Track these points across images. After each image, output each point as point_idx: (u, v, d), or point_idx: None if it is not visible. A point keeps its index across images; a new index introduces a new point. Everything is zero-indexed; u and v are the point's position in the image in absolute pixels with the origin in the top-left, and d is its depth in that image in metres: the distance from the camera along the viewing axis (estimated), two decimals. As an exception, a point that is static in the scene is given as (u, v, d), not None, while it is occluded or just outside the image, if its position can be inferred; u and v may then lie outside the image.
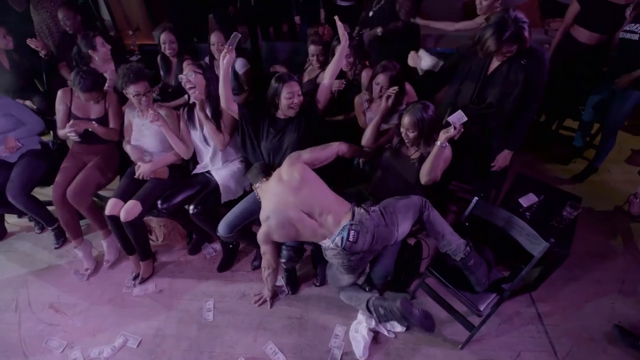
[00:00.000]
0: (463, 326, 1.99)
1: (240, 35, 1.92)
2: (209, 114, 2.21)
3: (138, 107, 2.26)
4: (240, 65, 2.77)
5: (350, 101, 2.42)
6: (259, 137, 2.16)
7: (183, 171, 2.43)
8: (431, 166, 1.87)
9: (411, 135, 1.91)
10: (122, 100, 2.45)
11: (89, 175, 2.38)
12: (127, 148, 2.36)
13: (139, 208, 2.18)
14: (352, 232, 1.72)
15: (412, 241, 2.27)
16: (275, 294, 2.27)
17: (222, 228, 2.11)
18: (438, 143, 1.82)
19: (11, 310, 2.35)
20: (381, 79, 2.16)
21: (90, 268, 2.52)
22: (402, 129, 1.94)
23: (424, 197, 1.90)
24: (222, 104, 2.09)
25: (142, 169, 2.25)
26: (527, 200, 2.21)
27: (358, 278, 2.04)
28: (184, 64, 2.21)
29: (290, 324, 2.16)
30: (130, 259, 2.46)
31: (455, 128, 1.78)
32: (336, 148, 2.02)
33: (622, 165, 3.22)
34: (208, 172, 2.37)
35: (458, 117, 1.79)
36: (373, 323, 2.06)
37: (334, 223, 1.75)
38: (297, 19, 3.83)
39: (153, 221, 2.55)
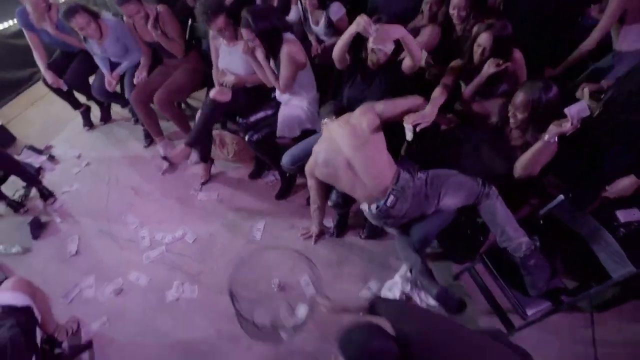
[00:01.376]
0: (502, 323, 1.88)
1: None
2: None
3: (223, 39, 2.28)
4: (334, 10, 2.54)
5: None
6: (346, 82, 2.09)
7: (261, 91, 2.47)
8: (531, 160, 1.65)
9: (520, 116, 1.65)
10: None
11: (171, 83, 2.61)
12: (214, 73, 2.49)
13: (229, 95, 2.30)
14: (391, 197, 1.67)
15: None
16: (321, 233, 2.34)
17: (285, 159, 2.16)
18: (546, 137, 1.57)
19: (104, 183, 2.77)
20: (484, 39, 1.86)
21: (168, 157, 2.67)
22: (510, 108, 1.69)
23: (499, 190, 1.71)
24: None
25: (227, 78, 2.35)
26: (628, 215, 1.86)
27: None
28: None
29: (328, 263, 2.23)
30: (202, 167, 2.68)
31: (572, 123, 1.49)
32: (412, 103, 1.86)
33: None
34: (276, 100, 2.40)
35: (579, 110, 1.48)
36: (408, 287, 2.03)
37: (378, 191, 1.70)
38: None
39: (227, 137, 2.70)
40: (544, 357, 1.88)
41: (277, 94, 2.40)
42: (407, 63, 1.90)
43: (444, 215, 1.79)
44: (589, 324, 2.00)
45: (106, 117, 3.31)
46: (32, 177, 2.63)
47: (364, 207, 1.80)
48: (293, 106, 2.31)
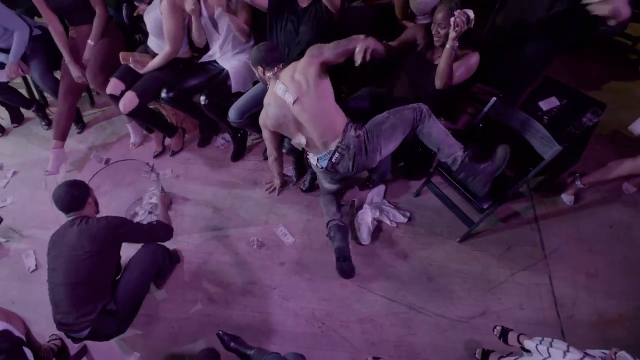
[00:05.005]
0: (463, 222, 2.11)
1: None
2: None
3: None
4: None
5: None
6: (278, 24, 2.00)
7: (187, 62, 2.32)
8: (443, 69, 1.74)
9: (442, 32, 1.72)
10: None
11: (97, 52, 2.34)
12: None
13: (136, 101, 2.16)
14: (336, 154, 1.75)
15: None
16: (285, 184, 2.38)
17: (232, 113, 2.12)
18: (447, 46, 1.67)
19: (42, 189, 2.54)
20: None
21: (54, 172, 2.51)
22: (433, 26, 1.75)
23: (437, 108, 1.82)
24: None
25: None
26: (548, 103, 2.12)
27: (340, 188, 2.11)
28: None
29: (299, 210, 2.32)
30: (152, 137, 2.60)
31: (456, 24, 1.57)
32: (355, 42, 1.81)
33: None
34: (215, 61, 2.27)
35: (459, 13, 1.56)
36: (377, 213, 2.19)
37: (323, 145, 1.76)
38: None
39: (166, 108, 2.55)
40: (502, 241, 2.18)
41: (209, 53, 2.26)
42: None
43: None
44: (530, 205, 2.33)
45: (18, 118, 2.94)
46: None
47: (313, 160, 1.85)
48: (236, 60, 2.23)
